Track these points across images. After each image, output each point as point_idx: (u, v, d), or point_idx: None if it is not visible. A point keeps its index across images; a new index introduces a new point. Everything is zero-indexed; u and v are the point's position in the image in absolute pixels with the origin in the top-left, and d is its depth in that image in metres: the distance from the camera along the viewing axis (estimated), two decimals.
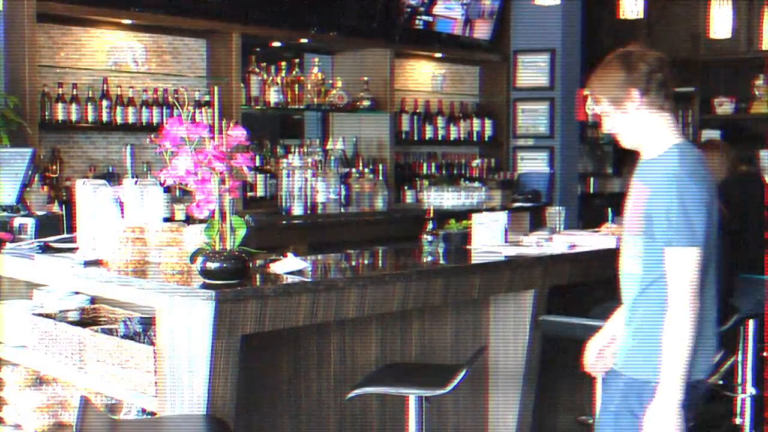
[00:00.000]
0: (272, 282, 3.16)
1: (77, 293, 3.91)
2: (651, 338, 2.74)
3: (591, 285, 4.47)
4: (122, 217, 3.59)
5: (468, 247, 4.26)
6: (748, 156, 7.35)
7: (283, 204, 6.33)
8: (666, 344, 2.69)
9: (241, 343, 2.98)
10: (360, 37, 7.22)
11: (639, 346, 2.81)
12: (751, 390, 4.97)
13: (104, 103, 5.95)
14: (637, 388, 2.78)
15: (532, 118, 8.35)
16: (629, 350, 2.84)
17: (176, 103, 5.86)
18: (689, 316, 2.66)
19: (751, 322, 4.88)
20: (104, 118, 5.95)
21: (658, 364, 2.71)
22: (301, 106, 6.97)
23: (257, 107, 6.63)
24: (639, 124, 2.82)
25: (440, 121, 7.97)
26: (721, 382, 5.19)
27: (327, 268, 3.81)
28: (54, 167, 5.73)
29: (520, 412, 4.11)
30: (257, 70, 6.64)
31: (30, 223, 4.10)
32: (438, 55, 8.04)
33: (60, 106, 5.77)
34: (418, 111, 7.85)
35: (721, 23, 6.47)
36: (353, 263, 4.06)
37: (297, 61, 7.06)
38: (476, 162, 8.20)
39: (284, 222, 6.15)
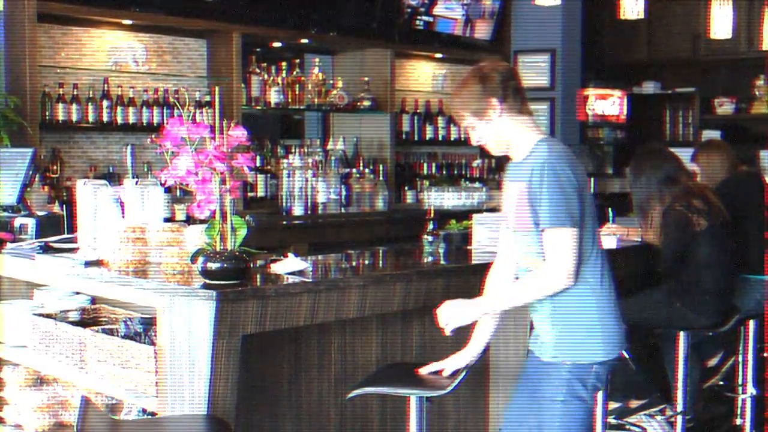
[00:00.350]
0: (273, 282, 3.16)
1: (78, 293, 3.91)
2: (579, 323, 2.92)
3: None
4: (123, 217, 3.59)
5: (468, 247, 4.26)
6: (748, 156, 7.34)
7: (284, 204, 6.33)
8: (521, 283, 2.94)
9: (241, 343, 2.98)
10: (360, 38, 7.22)
11: (570, 333, 2.94)
12: (751, 390, 4.97)
13: (105, 103, 5.95)
14: (579, 373, 2.91)
15: None
16: (561, 340, 2.95)
17: (177, 103, 5.86)
18: (554, 285, 2.86)
19: (751, 323, 4.88)
20: (105, 118, 5.95)
21: (592, 345, 2.90)
22: (302, 107, 6.97)
23: (258, 107, 6.63)
24: (504, 130, 3.03)
25: (441, 122, 7.97)
26: (721, 383, 5.20)
27: (327, 269, 3.81)
28: (55, 167, 5.73)
29: None
30: (258, 70, 6.64)
31: (31, 223, 4.10)
32: (438, 55, 8.04)
33: (60, 106, 5.77)
34: (418, 111, 7.85)
35: (721, 23, 6.47)
36: (354, 263, 4.06)
37: (297, 61, 7.06)
38: (477, 162, 8.20)
39: (285, 222, 6.15)
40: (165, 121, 5.79)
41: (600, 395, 4.13)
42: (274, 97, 6.68)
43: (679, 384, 4.46)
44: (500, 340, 4.15)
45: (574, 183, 2.85)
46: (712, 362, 5.17)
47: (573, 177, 2.85)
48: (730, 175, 5.20)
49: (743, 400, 5.02)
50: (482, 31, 8.11)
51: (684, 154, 5.07)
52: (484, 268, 3.91)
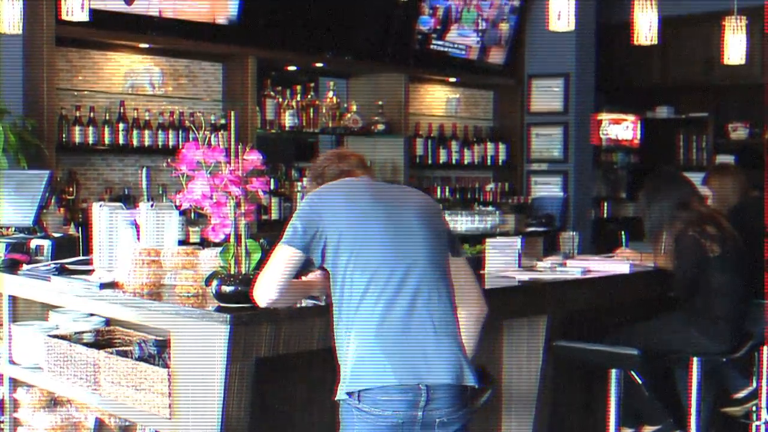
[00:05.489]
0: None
1: (92, 315, 3.93)
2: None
3: (605, 310, 4.47)
4: (138, 239, 3.61)
5: (482, 271, 4.26)
6: (760, 181, 7.33)
7: None
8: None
9: (255, 367, 2.99)
10: (375, 61, 7.26)
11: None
12: (766, 417, 4.94)
13: (121, 125, 6.00)
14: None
15: (546, 142, 8.37)
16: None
17: (192, 126, 5.89)
18: (260, 297, 2.83)
19: (765, 349, 4.85)
20: (121, 141, 6.00)
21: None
22: (316, 130, 7.00)
23: (272, 130, 6.67)
24: None
25: (454, 145, 8.00)
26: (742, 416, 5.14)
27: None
28: (71, 189, 5.77)
29: None
30: (273, 93, 6.68)
31: (46, 244, 4.13)
32: (452, 79, 8.07)
33: (77, 128, 5.82)
34: (432, 135, 7.88)
35: (735, 49, 6.48)
36: None
37: (312, 84, 7.10)
38: (490, 186, 8.21)
39: None
40: (180, 144, 5.86)
41: (612, 417, 4.12)
42: (288, 120, 6.72)
43: (693, 410, 4.44)
44: (514, 365, 4.15)
45: (304, 210, 2.92)
46: (740, 395, 5.12)
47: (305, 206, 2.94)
48: (742, 199, 5.19)
49: (757, 427, 4.98)
50: (496, 55, 8.14)
51: (697, 179, 5.07)
52: (498, 292, 3.93)
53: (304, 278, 3.14)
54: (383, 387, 2.69)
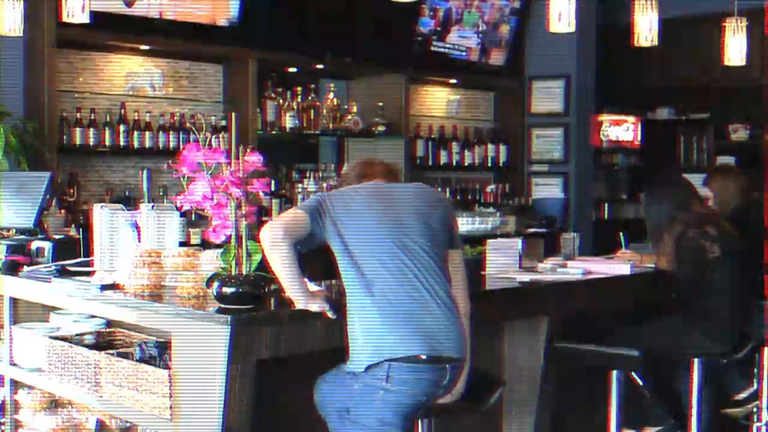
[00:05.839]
0: (287, 307, 3.17)
1: (93, 316, 3.93)
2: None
3: (606, 311, 4.47)
4: (139, 241, 3.62)
5: (482, 272, 4.26)
6: (761, 183, 7.33)
7: None
8: None
9: (256, 368, 2.99)
10: (375, 63, 7.27)
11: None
12: (767, 418, 4.94)
13: (122, 127, 6.01)
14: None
15: (546, 143, 8.37)
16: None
17: (193, 128, 5.89)
18: (265, 234, 2.99)
19: (766, 350, 4.85)
20: (121, 143, 6.00)
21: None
22: (317, 131, 7.01)
23: (273, 132, 6.67)
24: None
25: (455, 147, 8.00)
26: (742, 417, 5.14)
27: (342, 293, 3.81)
28: (71, 191, 5.77)
29: None
30: (273, 95, 6.68)
31: (47, 246, 4.13)
32: (453, 80, 8.08)
33: (78, 130, 5.82)
34: (432, 136, 7.88)
35: (735, 50, 6.47)
36: None
37: (312, 86, 7.10)
38: (491, 187, 8.21)
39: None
40: (181, 146, 5.87)
41: (613, 418, 4.13)
42: (289, 122, 6.72)
43: (694, 411, 4.44)
44: (514, 367, 4.15)
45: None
46: (741, 396, 5.12)
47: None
48: (743, 201, 5.19)
49: (758, 429, 4.98)
50: (497, 57, 8.15)
51: (694, 180, 5.07)
52: (499, 293, 3.93)
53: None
54: (411, 365, 2.94)
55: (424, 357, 2.97)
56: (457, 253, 3.26)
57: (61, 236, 4.46)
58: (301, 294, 3.06)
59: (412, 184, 3.35)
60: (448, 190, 7.93)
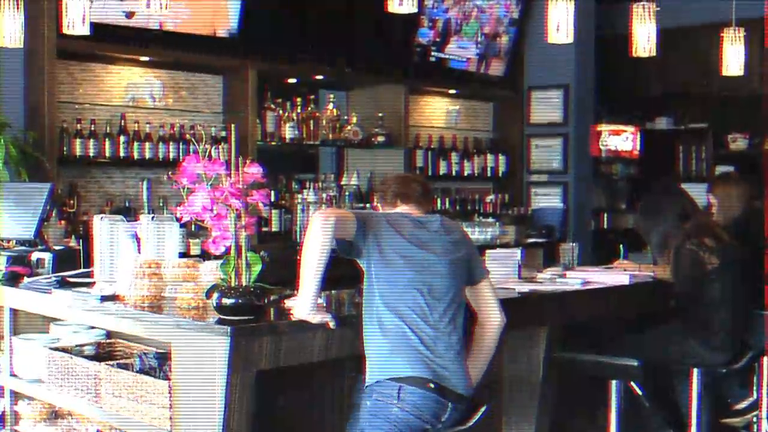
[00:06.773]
0: (287, 318, 3.18)
1: (93, 327, 3.94)
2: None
3: (605, 321, 4.48)
4: (138, 252, 3.63)
5: None
6: (761, 192, 7.34)
7: (298, 239, 6.35)
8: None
9: (255, 379, 2.99)
10: (375, 74, 7.28)
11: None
12: (766, 428, 4.93)
13: (122, 138, 6.01)
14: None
15: (545, 153, 8.38)
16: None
17: (193, 139, 5.91)
18: (320, 214, 3.12)
19: (765, 360, 4.85)
20: (121, 154, 6.01)
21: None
22: (316, 142, 7.02)
23: (273, 142, 6.68)
24: None
25: (454, 157, 8.01)
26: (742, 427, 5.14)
27: (341, 303, 3.82)
28: (72, 202, 5.78)
29: None
30: (273, 106, 6.70)
31: (47, 257, 4.14)
32: (452, 91, 8.09)
33: (78, 141, 5.83)
34: (432, 146, 7.89)
35: (733, 60, 6.49)
36: None
37: (312, 97, 7.11)
38: (490, 197, 8.22)
39: (299, 257, 6.15)
40: (181, 157, 5.88)
41: (613, 428, 4.13)
42: (288, 132, 6.73)
43: (693, 420, 4.44)
44: (514, 377, 4.15)
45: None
46: (741, 405, 5.12)
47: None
48: (745, 210, 5.20)
49: None
50: (496, 67, 8.16)
51: (694, 190, 5.07)
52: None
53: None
54: (422, 392, 3.08)
55: (432, 386, 3.10)
56: (484, 283, 3.41)
57: (62, 247, 4.47)
58: (311, 301, 3.08)
59: (439, 218, 3.39)
60: (447, 200, 7.94)
